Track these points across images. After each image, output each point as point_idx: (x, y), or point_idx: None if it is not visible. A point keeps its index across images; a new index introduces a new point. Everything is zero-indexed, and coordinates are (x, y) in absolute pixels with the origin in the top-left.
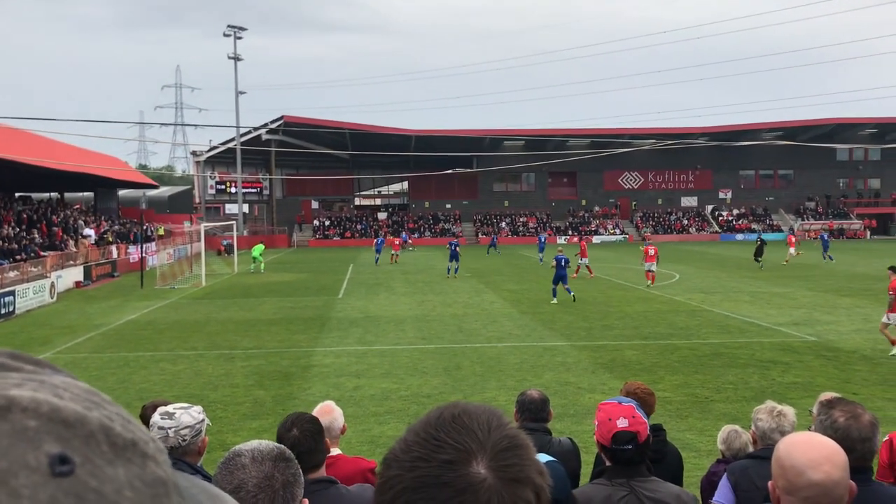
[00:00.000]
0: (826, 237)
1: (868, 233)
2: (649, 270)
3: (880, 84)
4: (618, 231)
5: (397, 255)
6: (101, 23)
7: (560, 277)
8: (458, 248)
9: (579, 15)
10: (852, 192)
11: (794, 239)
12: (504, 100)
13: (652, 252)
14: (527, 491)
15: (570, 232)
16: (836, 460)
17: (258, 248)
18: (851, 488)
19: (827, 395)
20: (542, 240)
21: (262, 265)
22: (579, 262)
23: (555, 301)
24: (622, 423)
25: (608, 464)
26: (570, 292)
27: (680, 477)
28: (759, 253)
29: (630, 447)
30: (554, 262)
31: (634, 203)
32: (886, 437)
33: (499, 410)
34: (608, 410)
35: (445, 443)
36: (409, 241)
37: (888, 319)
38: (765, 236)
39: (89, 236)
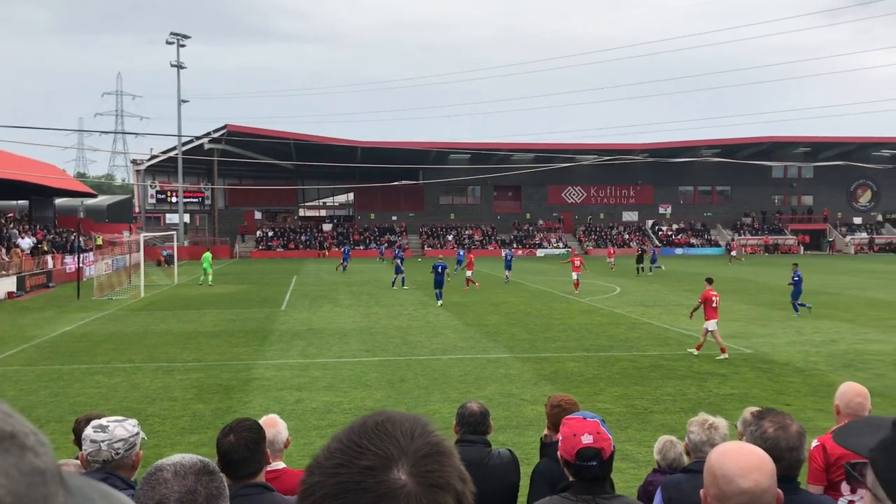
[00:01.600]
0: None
1: (801, 248)
2: (577, 280)
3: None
4: (561, 244)
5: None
6: (40, 27)
7: (438, 283)
8: (401, 262)
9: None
10: (787, 209)
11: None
12: (450, 113)
13: (577, 263)
14: (447, 497)
15: (514, 245)
16: (765, 469)
17: (207, 258)
18: (779, 496)
19: (752, 409)
20: (461, 255)
21: (210, 277)
22: (466, 274)
23: (440, 303)
24: (587, 440)
25: (571, 479)
26: (439, 298)
27: (508, 485)
28: (639, 261)
29: (594, 463)
30: (432, 270)
31: (577, 217)
32: (817, 443)
33: (425, 419)
34: (573, 426)
35: (367, 449)
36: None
37: (709, 326)
38: (701, 251)
39: (20, 246)
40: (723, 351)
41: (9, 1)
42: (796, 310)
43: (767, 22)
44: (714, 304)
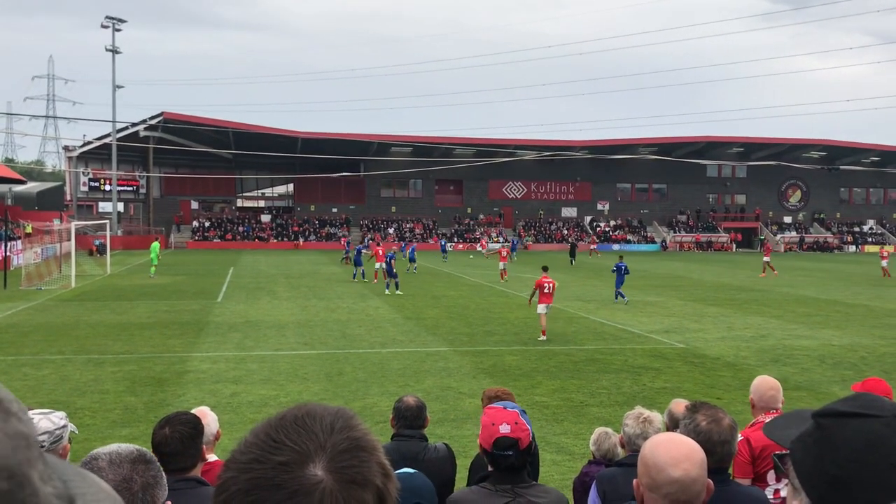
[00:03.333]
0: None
1: (734, 246)
2: (503, 269)
3: (748, 105)
4: (501, 239)
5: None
6: None
7: (357, 262)
8: (362, 252)
9: (471, 26)
10: (720, 207)
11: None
12: (393, 105)
13: (504, 253)
14: (366, 493)
15: (455, 239)
16: (695, 459)
17: (155, 248)
18: (709, 486)
19: (678, 401)
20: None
21: (153, 269)
22: (376, 266)
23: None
24: (504, 429)
25: (490, 469)
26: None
27: (445, 479)
28: (572, 254)
29: (510, 453)
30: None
31: (517, 212)
32: (741, 437)
33: (348, 412)
34: (492, 415)
35: (283, 444)
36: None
37: (540, 309)
38: (638, 247)
39: None
40: (543, 333)
41: None
42: (616, 298)
43: (707, 24)
44: (546, 290)
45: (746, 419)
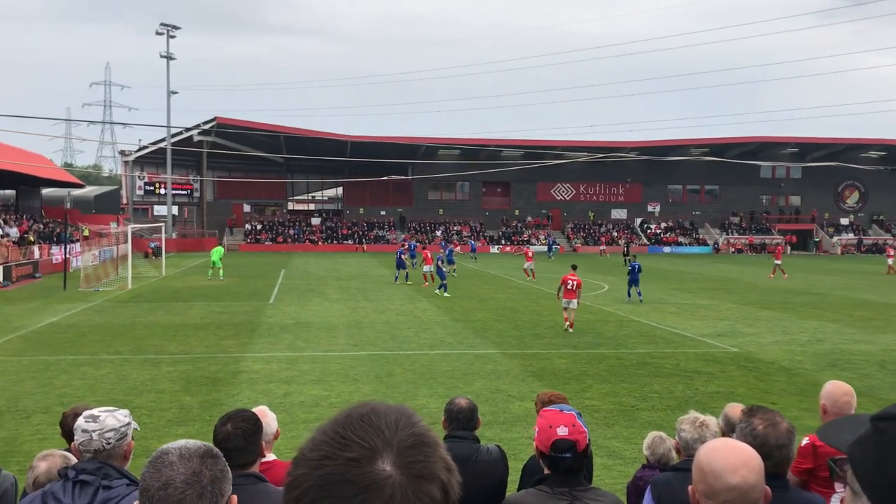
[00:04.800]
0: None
1: (788, 248)
2: (530, 269)
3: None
4: (549, 241)
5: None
6: (28, 15)
7: (400, 264)
8: (402, 255)
9: (521, 27)
10: (774, 209)
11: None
12: (441, 108)
13: (531, 254)
14: (433, 487)
15: (503, 241)
16: (753, 465)
17: (218, 252)
18: (766, 493)
19: (733, 405)
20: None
21: (221, 271)
22: (424, 269)
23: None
24: (562, 432)
25: (546, 472)
26: (398, 278)
27: (497, 481)
28: (626, 253)
29: (569, 455)
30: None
31: (566, 214)
32: (806, 440)
33: (409, 410)
34: (549, 418)
35: (352, 441)
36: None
37: (564, 303)
38: (689, 249)
39: (8, 235)
40: (570, 325)
41: None
42: (629, 296)
43: (761, 22)
44: (569, 287)
45: (803, 425)
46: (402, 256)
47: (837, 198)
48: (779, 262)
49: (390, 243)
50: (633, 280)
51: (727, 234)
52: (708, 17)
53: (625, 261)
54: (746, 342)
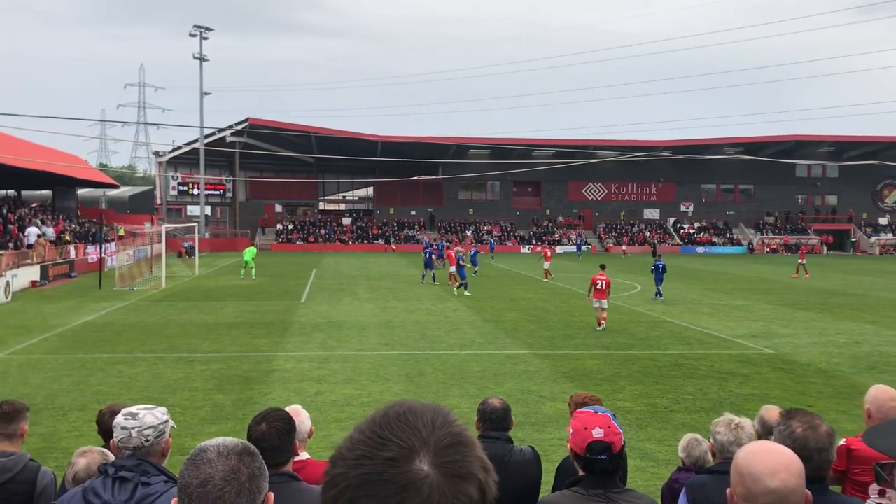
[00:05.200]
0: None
1: (824, 248)
2: (547, 269)
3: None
4: (580, 241)
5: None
6: (63, 17)
7: (427, 263)
8: (432, 255)
9: (553, 26)
10: (810, 208)
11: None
12: (472, 108)
13: (549, 254)
14: (470, 487)
15: (533, 241)
16: (793, 468)
17: (250, 252)
18: (807, 497)
19: (769, 407)
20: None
21: (254, 271)
22: (451, 269)
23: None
24: (597, 433)
25: (581, 473)
26: (425, 277)
27: (530, 482)
28: (654, 254)
29: (604, 457)
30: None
31: (597, 214)
32: (843, 441)
33: (445, 409)
34: (584, 419)
35: (389, 440)
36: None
37: (594, 304)
38: (723, 249)
39: (45, 235)
40: (598, 324)
41: None
42: (655, 296)
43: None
44: (599, 287)
45: (841, 428)
46: (432, 256)
47: (875, 197)
48: (802, 260)
49: (419, 243)
50: (658, 279)
51: (762, 235)
52: (743, 13)
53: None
54: (782, 343)
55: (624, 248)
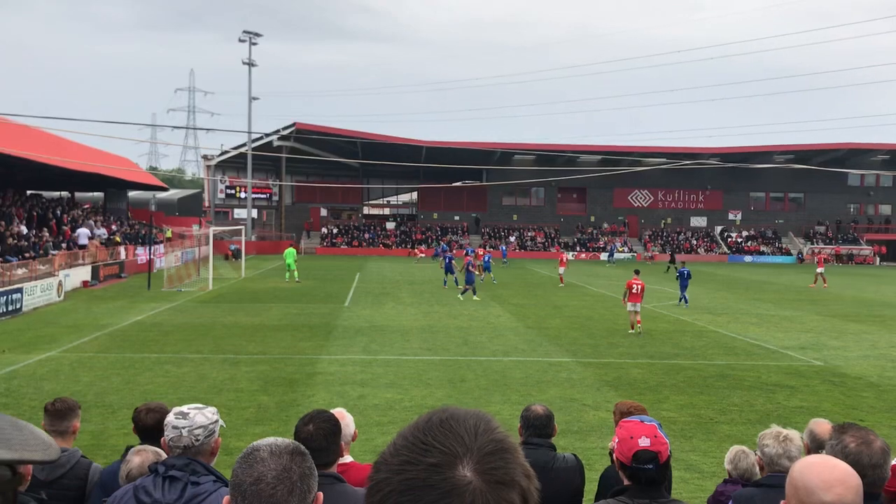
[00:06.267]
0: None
1: (877, 259)
2: (561, 274)
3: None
4: (626, 249)
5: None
6: (119, 23)
7: (448, 268)
8: (452, 261)
9: (600, 31)
10: (863, 218)
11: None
12: (516, 113)
13: (565, 259)
14: (512, 494)
15: (578, 248)
16: (850, 483)
17: (291, 254)
18: None
19: (818, 420)
20: (448, 258)
21: (296, 273)
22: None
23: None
24: (644, 442)
25: (626, 483)
26: (449, 283)
27: (573, 489)
28: (671, 261)
29: (651, 467)
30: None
31: (643, 221)
32: None
33: (487, 415)
34: (630, 428)
35: (432, 446)
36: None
37: (629, 307)
38: (772, 259)
39: (96, 236)
40: (632, 327)
41: None
42: (679, 301)
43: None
44: (634, 291)
45: (894, 443)
46: (453, 262)
47: None
48: (821, 269)
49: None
50: (684, 285)
51: (812, 244)
52: (794, 19)
53: (667, 268)
54: (832, 356)
55: (649, 254)
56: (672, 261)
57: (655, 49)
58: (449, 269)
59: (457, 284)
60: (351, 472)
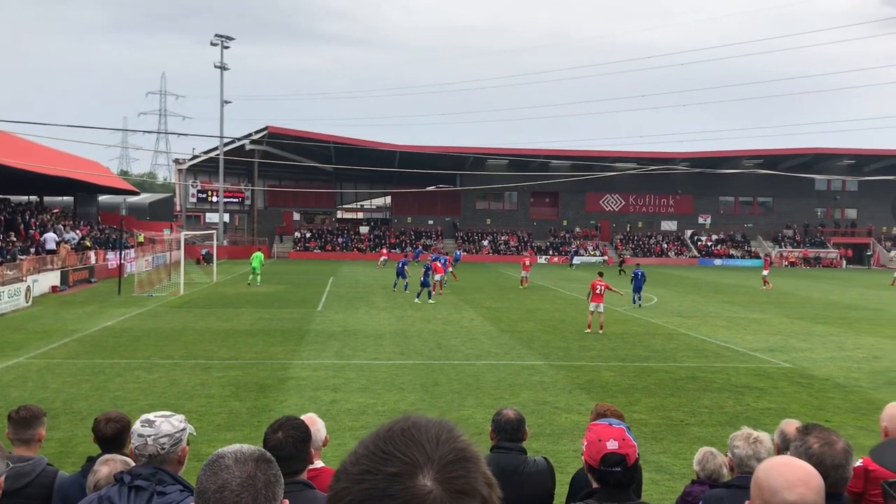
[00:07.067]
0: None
1: (844, 262)
2: (524, 277)
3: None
4: (598, 253)
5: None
6: (90, 26)
7: (400, 272)
8: (406, 266)
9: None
10: (829, 222)
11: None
12: (489, 118)
13: (528, 263)
14: (474, 502)
15: (550, 252)
16: (812, 483)
17: (258, 257)
18: None
19: (789, 421)
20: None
21: (259, 277)
22: (436, 278)
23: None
24: (612, 445)
25: (595, 485)
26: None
27: (544, 493)
28: (620, 265)
29: (619, 469)
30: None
31: (615, 225)
32: (860, 462)
33: (451, 424)
34: (598, 431)
35: (393, 455)
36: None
37: (591, 307)
38: (741, 262)
39: (66, 240)
40: (588, 326)
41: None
42: (634, 301)
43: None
44: (598, 291)
45: (859, 444)
46: (405, 267)
47: None
48: (766, 272)
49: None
50: (637, 286)
51: (780, 248)
52: (763, 27)
53: (619, 271)
54: (799, 358)
55: (605, 257)
56: (622, 264)
57: (629, 54)
58: (401, 273)
59: (406, 290)
60: (322, 478)
